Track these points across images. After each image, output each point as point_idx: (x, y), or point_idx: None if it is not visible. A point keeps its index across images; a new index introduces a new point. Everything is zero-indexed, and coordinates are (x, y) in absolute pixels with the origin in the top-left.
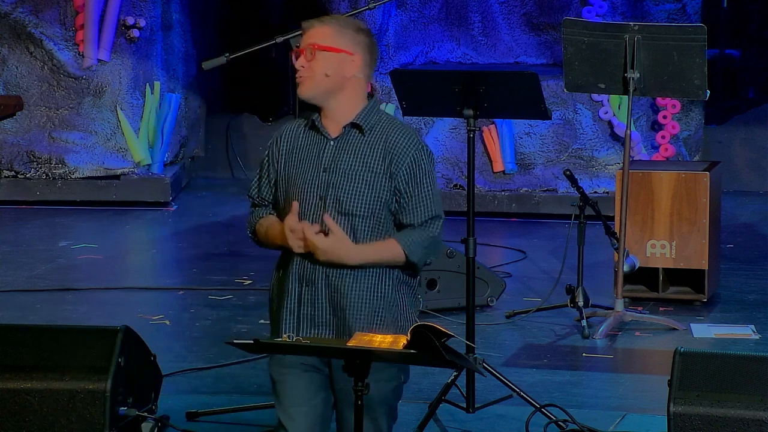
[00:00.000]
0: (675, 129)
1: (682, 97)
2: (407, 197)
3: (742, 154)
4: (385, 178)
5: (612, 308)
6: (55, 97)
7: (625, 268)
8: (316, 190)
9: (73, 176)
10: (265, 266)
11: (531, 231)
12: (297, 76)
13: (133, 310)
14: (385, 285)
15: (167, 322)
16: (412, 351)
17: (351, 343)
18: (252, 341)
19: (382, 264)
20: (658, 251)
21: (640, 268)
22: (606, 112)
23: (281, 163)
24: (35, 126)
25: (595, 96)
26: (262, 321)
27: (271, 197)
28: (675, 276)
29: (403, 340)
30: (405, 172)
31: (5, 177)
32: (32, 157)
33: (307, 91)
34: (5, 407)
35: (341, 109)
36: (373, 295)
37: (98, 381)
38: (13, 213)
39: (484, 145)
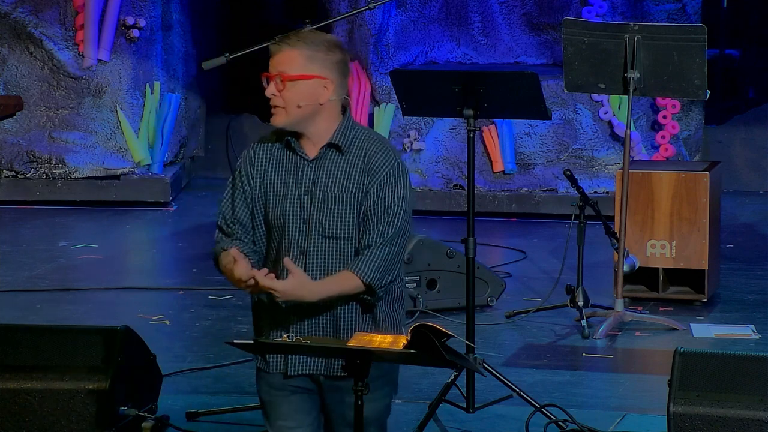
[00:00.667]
0: (675, 129)
1: (682, 97)
2: (372, 215)
3: (742, 154)
4: (364, 197)
5: (612, 308)
6: (55, 97)
7: (625, 268)
8: (299, 213)
9: (73, 176)
10: None
11: (531, 231)
12: (271, 104)
13: (133, 310)
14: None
15: (167, 322)
16: (412, 351)
17: (351, 343)
18: (252, 341)
19: (343, 295)
20: (658, 251)
21: (640, 268)
22: (606, 112)
23: (258, 183)
24: (35, 126)
25: (595, 96)
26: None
27: (247, 219)
28: (675, 276)
29: (403, 340)
30: (375, 190)
31: (5, 177)
32: (32, 157)
33: (280, 121)
34: (5, 407)
35: (317, 132)
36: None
37: (98, 381)
38: (13, 213)
39: (484, 145)
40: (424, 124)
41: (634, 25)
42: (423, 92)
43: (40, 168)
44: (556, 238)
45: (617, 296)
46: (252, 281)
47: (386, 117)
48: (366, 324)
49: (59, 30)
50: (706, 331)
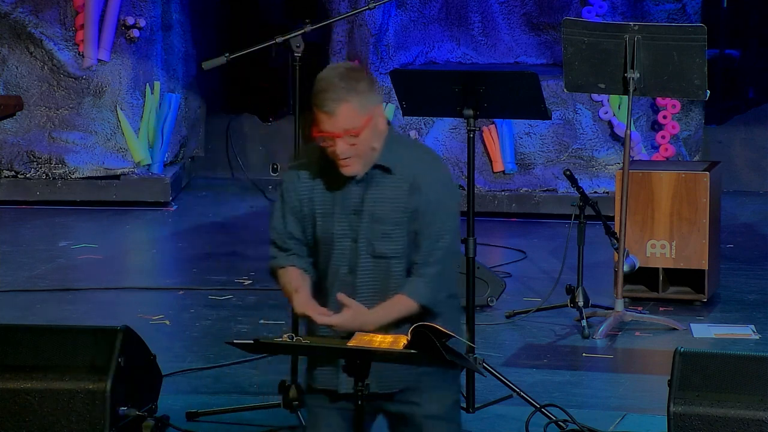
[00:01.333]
0: (675, 129)
1: (682, 97)
2: (422, 233)
3: (742, 154)
4: (412, 214)
5: (612, 308)
6: (55, 97)
7: (625, 268)
8: (347, 233)
9: (73, 176)
10: (264, 266)
11: (531, 231)
12: (340, 160)
13: (133, 310)
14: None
15: (167, 322)
16: (412, 351)
17: (351, 343)
18: (252, 341)
19: (402, 317)
20: (658, 251)
21: (640, 268)
22: (606, 112)
23: (306, 199)
24: (35, 126)
25: (595, 96)
26: (262, 321)
27: (299, 232)
28: (675, 276)
29: (403, 340)
30: (424, 208)
31: (5, 177)
32: (32, 157)
33: (356, 170)
34: (5, 407)
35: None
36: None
37: (98, 381)
38: (13, 213)
39: (484, 145)
40: (424, 124)
41: (634, 25)
42: (423, 92)
43: (40, 168)
44: (556, 238)
45: (617, 296)
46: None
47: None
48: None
49: (59, 30)
50: (706, 331)
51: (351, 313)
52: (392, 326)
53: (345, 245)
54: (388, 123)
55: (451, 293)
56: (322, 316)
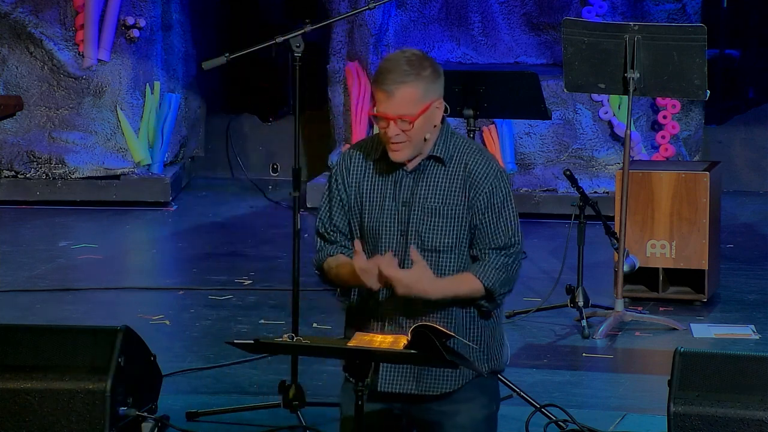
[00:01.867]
0: (675, 129)
1: (682, 97)
2: (482, 227)
3: (742, 154)
4: (466, 210)
5: (612, 308)
6: (55, 97)
7: (625, 268)
8: (396, 225)
9: (73, 176)
10: (264, 266)
11: (531, 231)
12: (391, 143)
13: (133, 310)
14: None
15: (167, 322)
16: (412, 351)
17: (351, 344)
18: (252, 341)
19: (462, 297)
20: (658, 251)
21: (640, 268)
22: (606, 112)
23: (354, 191)
24: (35, 126)
25: (595, 96)
26: (262, 321)
27: (344, 226)
28: (675, 276)
29: (403, 341)
30: (483, 203)
31: (5, 177)
32: (32, 157)
33: (405, 157)
34: (5, 407)
35: (424, 148)
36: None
37: (98, 381)
38: (13, 213)
39: (484, 145)
40: None
41: (634, 25)
42: None
43: (40, 168)
44: (556, 238)
45: (617, 296)
46: (375, 270)
47: None
48: (478, 331)
49: (59, 30)
50: (706, 331)
51: (420, 272)
52: (452, 304)
53: (393, 238)
54: (444, 119)
55: (511, 288)
56: (391, 267)
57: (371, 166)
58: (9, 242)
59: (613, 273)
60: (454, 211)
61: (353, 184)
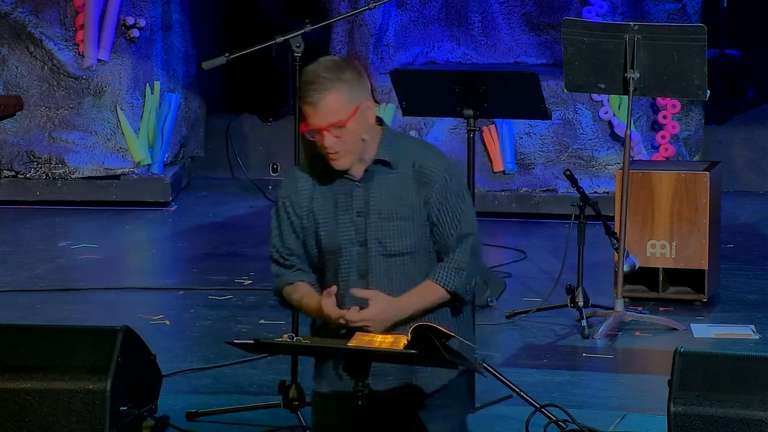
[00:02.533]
0: (675, 129)
1: (682, 97)
2: (440, 223)
3: (742, 154)
4: (423, 207)
5: (612, 308)
6: (55, 97)
7: (625, 268)
8: (354, 236)
9: (73, 176)
10: (264, 266)
11: (531, 231)
12: (329, 153)
13: (133, 310)
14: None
15: (167, 322)
16: (412, 351)
17: (351, 344)
18: (252, 341)
19: (432, 305)
20: (658, 251)
21: (640, 268)
22: (606, 112)
23: (305, 211)
24: (35, 126)
25: (595, 96)
26: (262, 321)
27: (297, 248)
28: (675, 276)
29: (403, 341)
30: (437, 198)
31: (5, 177)
32: (32, 157)
33: (347, 164)
34: (5, 407)
35: (365, 152)
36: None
37: (98, 381)
38: (13, 213)
39: (484, 145)
40: (424, 124)
41: (634, 25)
42: (423, 92)
43: (40, 168)
44: (556, 238)
45: (617, 296)
46: (343, 321)
47: (386, 117)
48: (454, 327)
49: (59, 30)
50: (706, 331)
51: (379, 304)
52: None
53: (353, 251)
54: (383, 122)
55: (478, 281)
56: (356, 315)
57: (320, 182)
58: (9, 242)
59: (613, 273)
60: (411, 212)
61: (303, 205)
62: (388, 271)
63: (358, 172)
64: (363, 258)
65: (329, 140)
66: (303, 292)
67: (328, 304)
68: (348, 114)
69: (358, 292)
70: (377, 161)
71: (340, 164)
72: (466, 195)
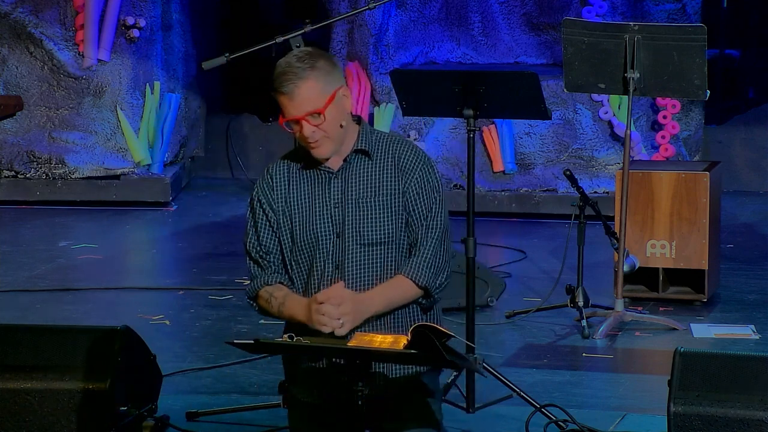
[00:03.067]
0: (675, 129)
1: (682, 97)
2: (414, 214)
3: (742, 154)
4: (401, 197)
5: (612, 308)
6: (55, 97)
7: (625, 268)
8: (331, 227)
9: (73, 176)
10: None
11: (531, 231)
12: (309, 143)
13: (133, 310)
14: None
15: (167, 322)
16: (412, 351)
17: (351, 343)
18: (252, 341)
19: (402, 300)
20: (658, 251)
21: (640, 268)
22: (606, 112)
23: (281, 206)
24: (35, 126)
25: (595, 96)
26: (262, 321)
27: (274, 247)
28: (675, 276)
29: (403, 341)
30: (414, 189)
31: (5, 177)
32: (32, 157)
33: (328, 151)
34: (5, 407)
35: (344, 144)
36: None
37: (98, 381)
38: (13, 213)
39: (484, 145)
40: (424, 124)
41: (634, 25)
42: (423, 92)
43: (40, 168)
44: (556, 238)
45: (617, 296)
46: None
47: (386, 117)
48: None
49: (59, 30)
50: (706, 331)
51: (347, 304)
52: (394, 312)
53: (329, 241)
54: (361, 120)
55: (448, 275)
56: (325, 321)
57: (296, 177)
58: (9, 242)
59: (613, 273)
60: (389, 201)
61: (279, 200)
62: (362, 261)
63: (335, 164)
64: (339, 249)
65: (308, 129)
66: (285, 292)
67: (308, 307)
68: (324, 102)
69: (321, 296)
70: (356, 151)
71: (320, 152)
72: (441, 190)
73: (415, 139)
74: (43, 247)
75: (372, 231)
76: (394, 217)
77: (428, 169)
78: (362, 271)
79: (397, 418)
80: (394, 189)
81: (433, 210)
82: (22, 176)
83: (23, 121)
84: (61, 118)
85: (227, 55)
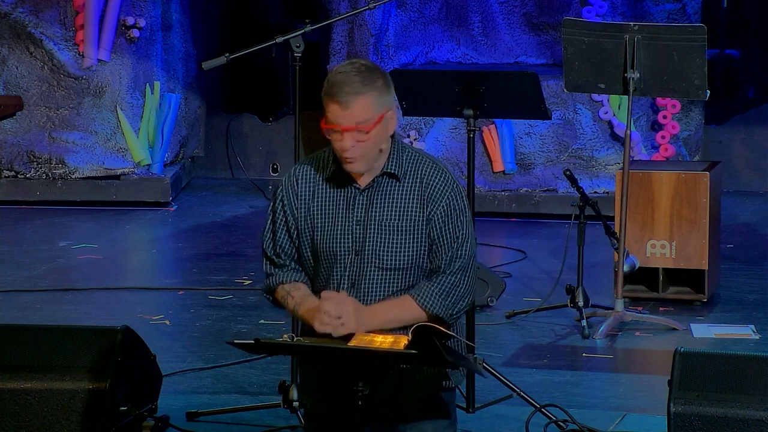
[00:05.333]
0: (675, 129)
1: (682, 97)
2: (438, 242)
3: (742, 154)
4: (425, 224)
5: (612, 308)
6: (55, 97)
7: (625, 268)
8: (350, 245)
9: (73, 176)
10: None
11: (531, 231)
12: (346, 155)
13: (133, 310)
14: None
15: (167, 322)
16: (412, 351)
17: (352, 344)
18: (252, 341)
19: (405, 323)
20: (658, 251)
21: (640, 268)
22: (606, 112)
23: (303, 212)
24: (35, 126)
25: (595, 96)
26: (262, 321)
27: (289, 248)
28: (675, 276)
29: (404, 341)
30: (440, 216)
31: (5, 177)
32: (32, 157)
33: (361, 168)
34: (5, 407)
35: (377, 162)
36: None
37: (98, 381)
38: (13, 213)
39: (484, 145)
40: (424, 124)
41: (634, 25)
42: (423, 92)
43: (40, 168)
44: (556, 238)
45: (617, 296)
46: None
47: None
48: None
49: (59, 30)
50: (706, 331)
51: (348, 306)
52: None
53: (347, 258)
54: (392, 135)
55: (469, 303)
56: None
57: (321, 185)
58: (9, 242)
59: (613, 273)
60: (412, 227)
61: (302, 206)
62: (379, 284)
63: (363, 181)
64: (356, 268)
65: (349, 142)
66: (304, 293)
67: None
68: (374, 121)
69: (326, 294)
70: (385, 173)
71: (354, 167)
72: (468, 217)
73: (415, 139)
74: (43, 247)
75: (392, 256)
76: (415, 244)
77: (455, 196)
78: (378, 293)
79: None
80: (419, 215)
81: (460, 238)
82: (22, 176)
83: (23, 121)
84: (61, 118)
85: (227, 55)
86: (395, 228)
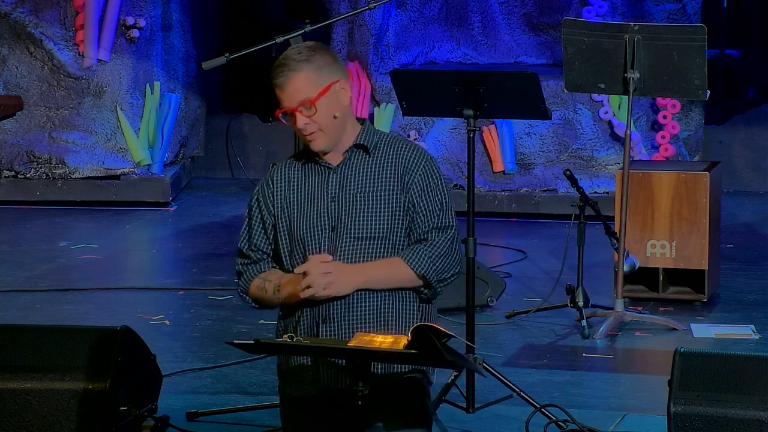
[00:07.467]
0: (675, 129)
1: (682, 97)
2: (420, 209)
3: (742, 154)
4: (401, 192)
5: (612, 308)
6: (55, 97)
7: (625, 268)
8: (327, 221)
9: (73, 176)
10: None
11: (531, 231)
12: (305, 135)
13: (133, 310)
14: (407, 310)
15: (167, 322)
16: (412, 351)
17: (351, 344)
18: (252, 341)
19: (394, 283)
20: (658, 251)
21: (640, 268)
22: (606, 112)
23: (279, 204)
24: (35, 126)
25: (595, 96)
26: (262, 321)
27: (265, 246)
28: (675, 276)
29: (403, 341)
30: (418, 183)
31: (5, 177)
32: (32, 157)
33: (323, 144)
34: (5, 407)
35: (344, 138)
36: (396, 320)
37: (98, 381)
38: (13, 213)
39: (484, 145)
40: (424, 124)
41: (634, 25)
42: (423, 92)
43: (40, 168)
44: (556, 238)
45: (617, 296)
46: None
47: (386, 117)
48: (423, 318)
49: (59, 30)
50: (706, 331)
51: (330, 264)
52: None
53: (323, 235)
54: (365, 121)
55: (456, 274)
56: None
57: (296, 174)
58: (9, 242)
59: (613, 273)
60: (386, 196)
61: (277, 200)
62: (354, 254)
63: (335, 159)
64: (332, 242)
65: (301, 120)
66: (281, 273)
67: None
68: (316, 93)
69: (311, 258)
70: (355, 146)
71: (317, 145)
72: (447, 188)
73: (415, 139)
74: (43, 247)
75: (366, 225)
76: (389, 213)
77: (431, 166)
78: (352, 263)
79: (385, 417)
80: (393, 186)
81: (444, 205)
82: (22, 176)
83: (23, 121)
84: (61, 118)
85: (227, 55)
86: (369, 197)
